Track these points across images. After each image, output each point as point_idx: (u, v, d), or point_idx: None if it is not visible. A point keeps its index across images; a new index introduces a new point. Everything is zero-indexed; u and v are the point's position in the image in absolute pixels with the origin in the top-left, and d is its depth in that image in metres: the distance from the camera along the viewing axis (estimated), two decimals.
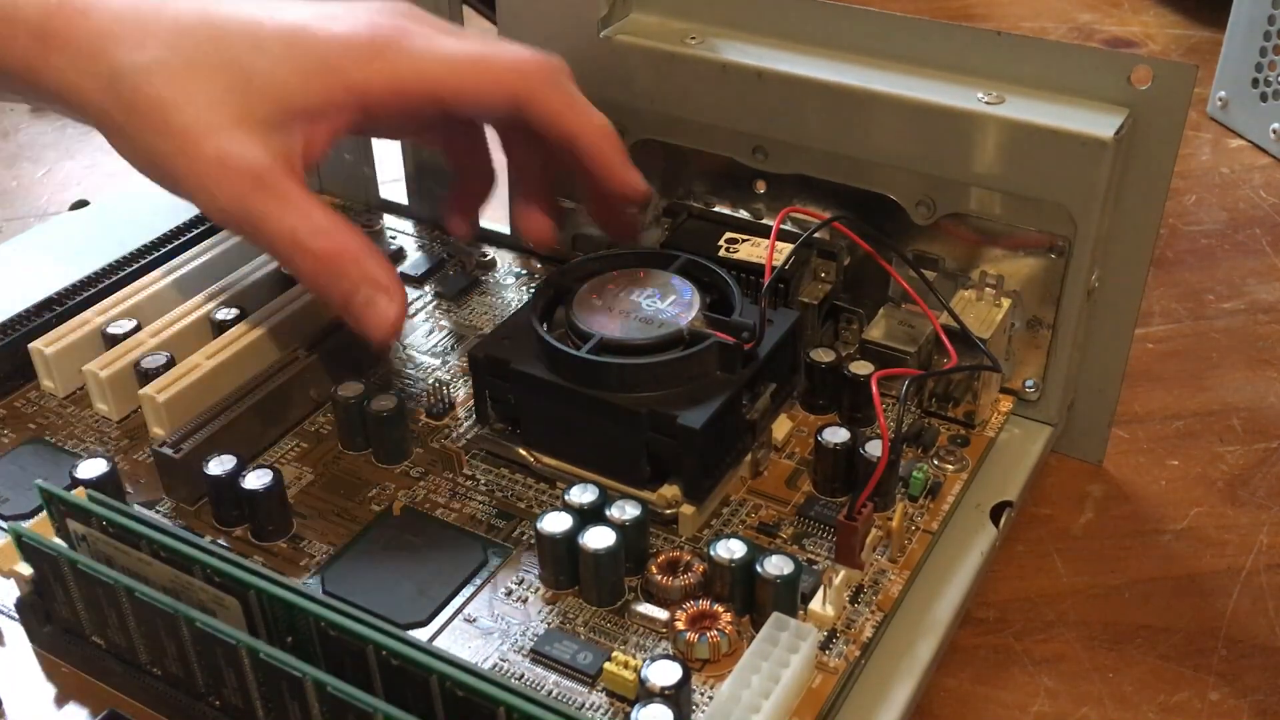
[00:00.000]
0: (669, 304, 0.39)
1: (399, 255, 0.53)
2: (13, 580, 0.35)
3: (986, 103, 0.40)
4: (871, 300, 0.45)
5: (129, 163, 0.38)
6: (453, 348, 0.48)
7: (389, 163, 0.56)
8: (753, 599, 0.35)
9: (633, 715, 0.31)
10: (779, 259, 0.42)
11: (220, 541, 0.38)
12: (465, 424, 0.43)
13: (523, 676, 0.34)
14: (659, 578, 0.36)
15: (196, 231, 0.52)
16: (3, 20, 0.37)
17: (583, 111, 0.40)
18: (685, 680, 0.31)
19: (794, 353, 0.42)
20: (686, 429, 0.36)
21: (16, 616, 0.36)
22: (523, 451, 0.40)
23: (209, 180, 0.36)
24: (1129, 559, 0.41)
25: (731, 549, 0.35)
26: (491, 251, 0.53)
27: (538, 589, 0.37)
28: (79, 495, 0.34)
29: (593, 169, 0.40)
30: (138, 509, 0.39)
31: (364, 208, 0.57)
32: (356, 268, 0.38)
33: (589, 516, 0.36)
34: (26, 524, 0.34)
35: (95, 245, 0.52)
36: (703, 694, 0.33)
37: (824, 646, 0.35)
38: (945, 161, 0.41)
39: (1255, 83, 0.66)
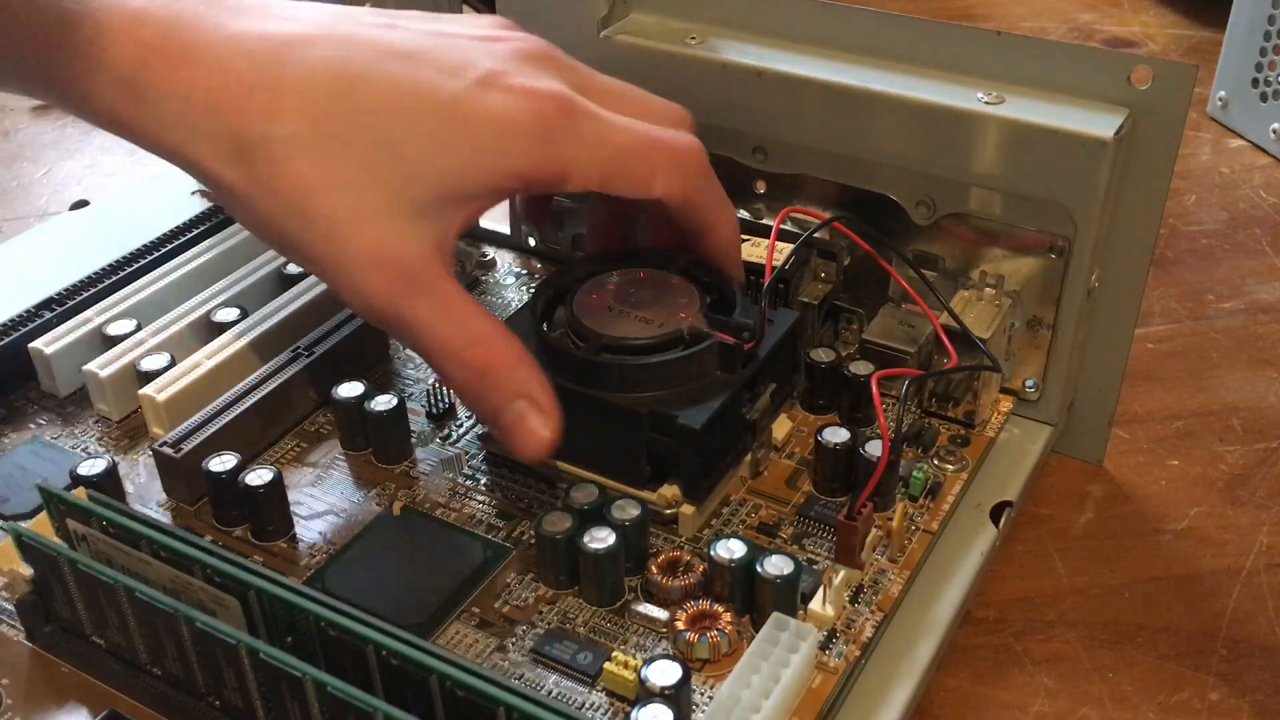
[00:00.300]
0: (669, 304, 0.39)
1: None
2: (13, 580, 0.35)
3: (986, 103, 0.40)
4: (871, 300, 0.45)
5: (255, 234, 0.35)
6: None
7: None
8: (753, 599, 0.35)
9: (633, 715, 0.31)
10: (779, 259, 0.42)
11: (218, 543, 0.38)
12: (465, 424, 0.43)
13: (523, 676, 0.34)
14: (659, 578, 0.36)
15: (196, 231, 0.52)
16: (87, 66, 0.32)
17: (723, 207, 0.39)
18: (685, 680, 0.31)
19: (794, 353, 0.42)
20: (686, 429, 0.36)
21: (16, 616, 0.36)
22: None
23: (359, 275, 0.33)
24: (1129, 559, 0.41)
25: (731, 549, 0.35)
26: (491, 251, 0.53)
27: (538, 589, 0.37)
28: (79, 495, 0.34)
29: (713, 258, 0.40)
30: (138, 509, 0.39)
31: None
32: (510, 381, 0.34)
33: (589, 516, 0.36)
34: (26, 524, 0.34)
35: (95, 245, 0.52)
36: (703, 694, 0.33)
37: (824, 646, 0.35)
38: (945, 161, 0.41)
39: (1255, 83, 0.66)
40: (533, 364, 0.35)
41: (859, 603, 0.36)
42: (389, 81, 0.33)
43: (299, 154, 0.32)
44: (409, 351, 0.47)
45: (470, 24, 0.37)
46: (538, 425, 0.34)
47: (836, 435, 0.39)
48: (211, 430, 0.40)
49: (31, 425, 0.44)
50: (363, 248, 0.33)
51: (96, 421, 0.44)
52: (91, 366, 0.43)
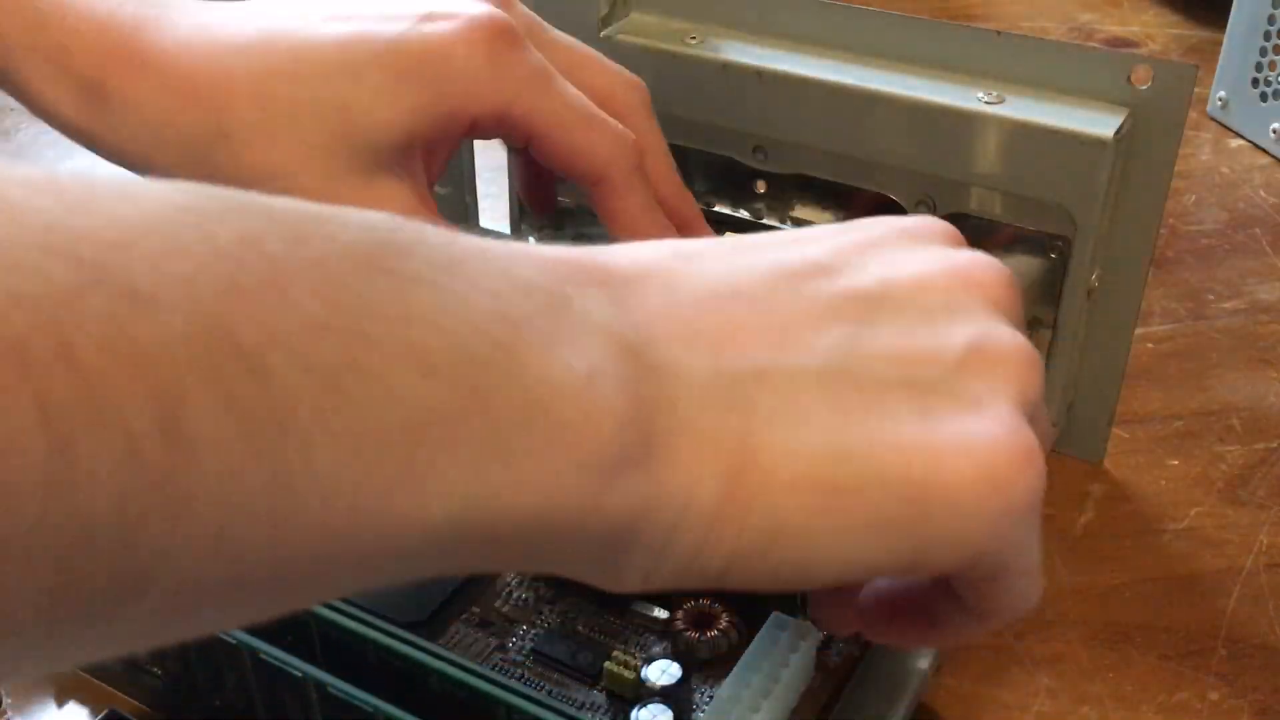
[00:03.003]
0: None
1: None
2: None
3: (986, 103, 0.40)
4: None
5: None
6: None
7: None
8: (753, 599, 0.35)
9: (633, 715, 0.31)
10: None
11: None
12: None
13: (523, 676, 0.34)
14: None
15: None
16: (51, 68, 0.33)
17: (651, 216, 0.37)
18: (685, 680, 0.31)
19: None
20: None
21: None
22: None
23: None
24: (1129, 559, 0.41)
25: None
26: None
27: (538, 589, 0.37)
28: None
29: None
30: None
31: None
32: None
33: None
34: None
35: None
36: (703, 694, 0.33)
37: (824, 646, 0.35)
38: (945, 161, 0.41)
39: (1255, 83, 0.66)
40: None
41: None
42: (331, 42, 0.33)
43: (255, 143, 0.33)
44: None
45: None
46: None
47: None
48: None
49: None
50: None
51: None
52: None
